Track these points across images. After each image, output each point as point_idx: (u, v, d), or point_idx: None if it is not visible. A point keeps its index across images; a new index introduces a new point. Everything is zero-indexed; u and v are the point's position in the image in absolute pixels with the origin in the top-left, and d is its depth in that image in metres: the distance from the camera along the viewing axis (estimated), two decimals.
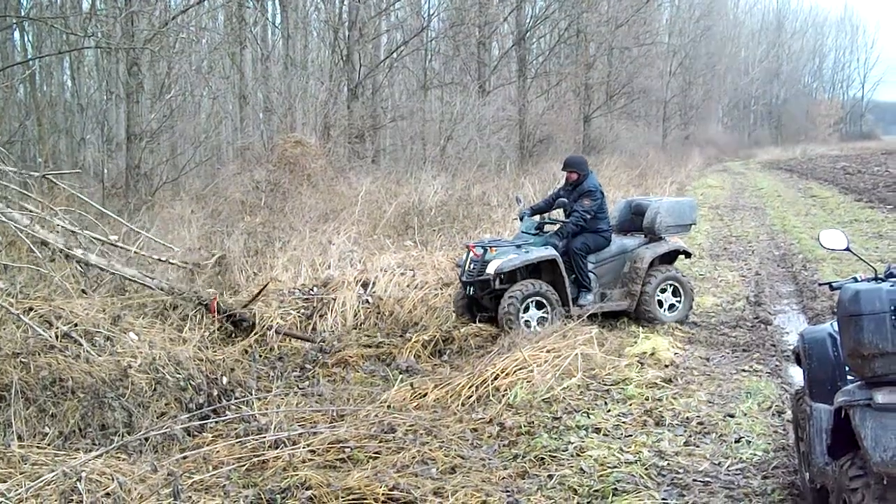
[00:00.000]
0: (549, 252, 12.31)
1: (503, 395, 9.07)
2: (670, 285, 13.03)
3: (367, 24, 30.71)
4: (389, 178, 23.15)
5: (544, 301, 12.05)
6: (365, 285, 13.47)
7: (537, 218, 13.14)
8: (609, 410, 8.61)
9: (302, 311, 13.32)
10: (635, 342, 11.01)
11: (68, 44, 24.94)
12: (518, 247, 12.41)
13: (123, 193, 20.67)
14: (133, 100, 22.21)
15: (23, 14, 25.37)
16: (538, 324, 11.89)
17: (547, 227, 12.97)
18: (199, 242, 15.43)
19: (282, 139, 23.22)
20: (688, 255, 13.96)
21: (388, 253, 15.28)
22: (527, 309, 11.97)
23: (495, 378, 9.35)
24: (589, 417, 8.39)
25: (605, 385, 9.40)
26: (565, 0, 39.00)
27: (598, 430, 8.06)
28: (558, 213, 13.53)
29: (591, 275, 12.73)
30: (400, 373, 10.57)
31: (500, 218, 19.45)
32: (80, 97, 30.74)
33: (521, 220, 13.28)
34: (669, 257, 13.40)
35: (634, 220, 13.60)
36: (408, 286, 13.68)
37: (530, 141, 35.88)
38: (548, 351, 9.94)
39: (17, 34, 28.94)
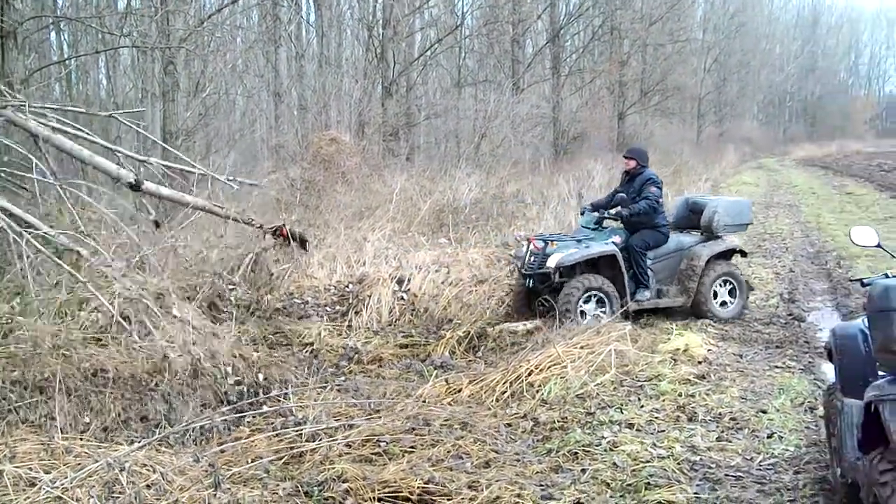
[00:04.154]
0: (609, 248, 12.50)
1: (537, 391, 9.14)
2: (726, 282, 13.16)
3: (401, 21, 30.78)
4: (424, 175, 23.20)
5: (602, 295, 12.23)
6: (400, 282, 13.58)
7: (597, 213, 13.15)
8: (642, 406, 8.66)
9: (337, 307, 13.47)
10: (668, 339, 11.02)
11: (104, 43, 25.19)
12: (578, 241, 12.62)
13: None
14: (169, 98, 22.37)
15: (59, 14, 25.62)
16: (595, 318, 12.04)
17: (606, 223, 13.09)
18: (234, 240, 15.55)
19: (316, 137, 23.29)
20: (744, 253, 14.09)
21: (422, 250, 15.35)
22: (585, 302, 12.16)
23: (529, 374, 9.43)
24: (622, 413, 8.45)
25: (639, 381, 9.45)
26: None
27: (631, 426, 8.12)
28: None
29: (649, 271, 12.84)
30: (435, 368, 10.67)
31: (535, 215, 19.50)
32: (115, 96, 31.02)
33: (582, 214, 13.51)
34: (725, 255, 13.48)
35: (692, 217, 13.79)
36: (442, 283, 13.76)
37: (564, 138, 35.90)
38: (581, 347, 10.00)
39: (53, 34, 29.24)
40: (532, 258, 12.60)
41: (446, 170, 24.07)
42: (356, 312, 13.07)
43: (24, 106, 10.83)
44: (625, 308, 12.25)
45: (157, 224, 11.93)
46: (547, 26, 39.59)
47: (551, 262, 12.25)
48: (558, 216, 19.26)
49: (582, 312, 12.07)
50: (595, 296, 12.22)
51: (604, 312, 12.15)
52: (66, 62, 27.77)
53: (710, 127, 67.25)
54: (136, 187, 11.65)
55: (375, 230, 16.26)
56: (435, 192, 20.55)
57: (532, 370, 9.49)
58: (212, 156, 25.18)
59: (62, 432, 7.42)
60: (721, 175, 42.80)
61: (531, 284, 12.70)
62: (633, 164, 13.14)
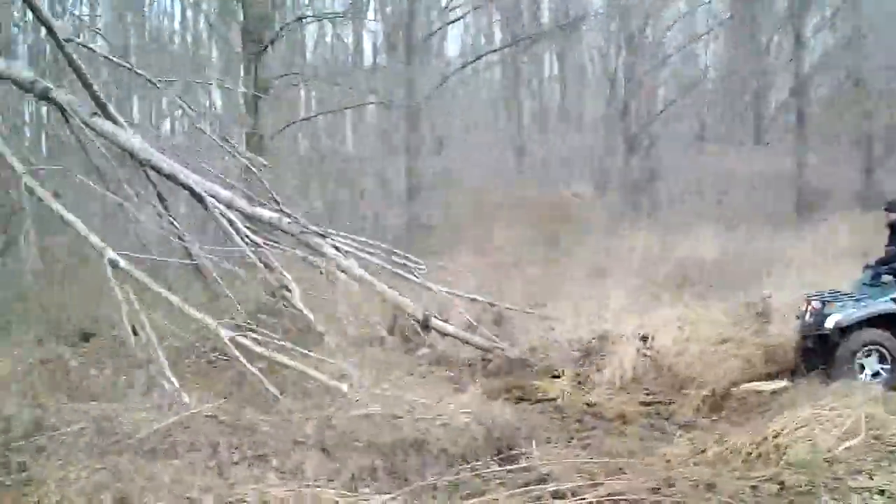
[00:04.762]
0: (888, 305, 12.08)
1: (783, 454, 9.03)
2: None
3: (643, 76, 30.84)
4: (665, 231, 23.13)
5: (884, 351, 11.86)
6: (643, 339, 13.58)
7: (871, 270, 12.84)
8: (894, 472, 8.46)
9: (580, 363, 13.55)
10: None
11: (351, 99, 26.05)
12: (857, 300, 12.31)
13: (405, 245, 21.34)
14: (413, 153, 22.94)
15: (309, 72, 26.69)
16: (875, 376, 11.73)
17: (885, 278, 12.63)
18: (479, 294, 15.82)
19: (558, 191, 23.51)
20: None
21: (665, 307, 15.32)
22: (866, 356, 11.85)
23: (775, 436, 9.31)
24: (872, 479, 8.22)
25: (890, 446, 9.21)
26: (844, 50, 38.18)
27: (882, 493, 7.90)
28: None
29: None
30: (678, 427, 10.63)
31: (779, 273, 19.18)
32: (360, 150, 31.96)
33: (863, 271, 13.17)
34: None
35: None
36: (685, 341, 13.70)
37: (809, 194, 35.14)
38: (830, 409, 9.81)
39: (302, 91, 30.43)
40: (810, 318, 12.41)
41: (688, 225, 23.94)
42: (599, 368, 13.14)
43: (327, 236, 11.64)
44: None
45: (426, 326, 12.40)
46: (790, 80, 38.93)
47: (829, 323, 11.99)
48: (802, 274, 18.91)
49: (861, 368, 11.76)
50: (875, 351, 11.85)
51: (885, 370, 11.78)
52: (314, 117, 28.84)
53: None
54: (425, 325, 12.20)
55: (617, 286, 16.30)
56: (676, 248, 20.47)
57: (778, 432, 9.38)
58: (453, 210, 25.69)
59: (314, 480, 7.71)
60: None
61: (810, 345, 12.45)
62: (894, 216, 12.81)
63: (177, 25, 36.78)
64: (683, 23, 37.26)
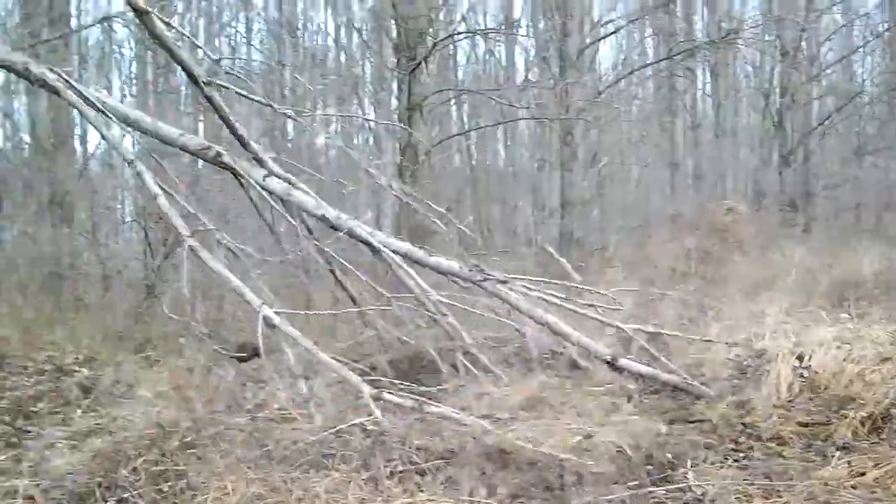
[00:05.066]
0: None
1: None
2: None
3: (799, 89, 30.43)
4: (823, 246, 22.76)
5: None
6: (800, 358, 13.36)
7: None
8: None
9: (735, 382, 13.39)
10: None
11: (503, 114, 26.27)
12: None
13: (554, 261, 21.37)
14: (566, 168, 22.97)
15: (460, 87, 27.06)
16: None
17: None
18: (634, 310, 15.76)
19: (713, 206, 23.35)
20: None
21: (822, 325, 15.06)
22: None
23: None
24: None
25: None
26: None
27: None
28: None
29: None
30: (836, 449, 10.45)
31: None
32: (513, 165, 32.16)
33: None
34: None
35: None
36: (844, 360, 13.43)
37: None
38: None
39: (454, 107, 30.82)
40: None
41: (846, 241, 23.54)
42: (755, 388, 12.97)
43: (507, 281, 11.81)
44: None
45: (614, 366, 12.41)
46: None
47: None
48: None
49: None
50: None
51: None
52: (467, 133, 29.17)
53: None
54: (612, 364, 12.19)
55: (773, 303, 16.08)
56: (835, 264, 20.13)
57: None
58: (606, 225, 25.68)
59: (469, 495, 7.81)
60: None
61: None
62: None
63: (331, 42, 37.51)
64: (840, 35, 36.73)
